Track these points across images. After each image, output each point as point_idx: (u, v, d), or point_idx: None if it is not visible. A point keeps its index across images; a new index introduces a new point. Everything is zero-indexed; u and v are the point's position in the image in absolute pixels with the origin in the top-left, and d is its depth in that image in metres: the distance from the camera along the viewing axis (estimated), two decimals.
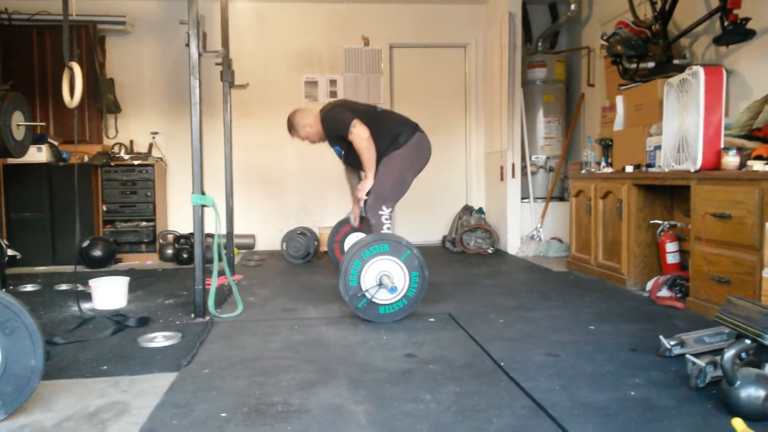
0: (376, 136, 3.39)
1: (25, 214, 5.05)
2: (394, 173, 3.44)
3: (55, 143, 5.19)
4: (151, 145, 5.69)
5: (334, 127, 3.48)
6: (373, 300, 2.88)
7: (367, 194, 3.45)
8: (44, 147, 5.04)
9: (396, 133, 3.47)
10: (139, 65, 5.80)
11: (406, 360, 2.32)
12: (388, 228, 3.39)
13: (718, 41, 3.54)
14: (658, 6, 4.05)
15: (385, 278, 2.87)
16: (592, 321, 2.89)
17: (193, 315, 3.05)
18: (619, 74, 4.22)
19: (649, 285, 3.48)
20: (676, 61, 3.94)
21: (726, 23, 3.43)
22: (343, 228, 4.50)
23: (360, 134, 3.31)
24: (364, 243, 2.91)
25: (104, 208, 5.32)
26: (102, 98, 5.45)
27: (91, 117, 5.47)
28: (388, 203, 3.41)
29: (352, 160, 3.58)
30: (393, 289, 2.86)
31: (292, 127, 3.74)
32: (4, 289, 3.42)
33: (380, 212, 3.38)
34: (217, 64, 4.27)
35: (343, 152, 3.62)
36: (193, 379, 2.14)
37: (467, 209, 5.90)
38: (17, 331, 1.77)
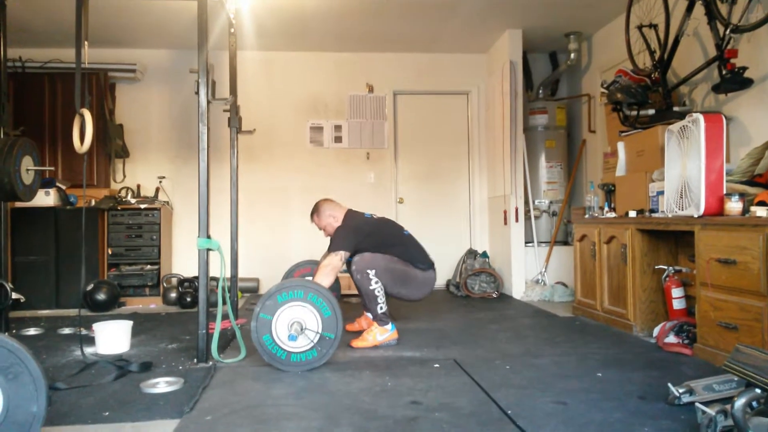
0: (391, 248, 3.56)
1: (31, 258, 5.07)
2: (400, 271, 3.53)
3: (63, 187, 5.25)
4: (157, 189, 5.75)
5: (333, 235, 3.57)
6: (323, 333, 2.87)
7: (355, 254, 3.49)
8: (52, 191, 5.11)
9: (413, 258, 3.62)
10: (147, 111, 5.92)
11: (412, 407, 2.29)
12: (376, 282, 3.40)
13: (716, 89, 3.61)
14: (657, 55, 4.15)
15: (295, 325, 2.84)
16: (600, 368, 2.85)
17: (195, 360, 3.03)
18: (620, 121, 4.29)
19: (656, 331, 3.44)
20: (676, 108, 4.01)
21: (724, 72, 3.50)
22: (297, 273, 4.46)
23: (331, 263, 3.33)
24: (259, 345, 2.88)
25: (109, 252, 5.34)
26: (111, 143, 5.55)
27: (100, 162, 5.55)
28: (378, 274, 3.42)
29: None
30: (293, 337, 2.82)
31: (316, 212, 3.78)
32: (6, 333, 3.41)
33: (368, 270, 3.40)
34: (224, 110, 4.36)
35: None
36: (196, 427, 2.11)
37: (471, 253, 5.90)
38: (21, 376, 1.76)
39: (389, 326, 3.44)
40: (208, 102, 3.09)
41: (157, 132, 5.94)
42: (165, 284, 5.33)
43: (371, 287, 3.39)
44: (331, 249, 3.45)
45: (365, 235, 3.54)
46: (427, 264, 3.69)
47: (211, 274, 3.21)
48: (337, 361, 3.06)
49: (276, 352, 2.86)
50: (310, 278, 3.37)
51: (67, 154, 5.41)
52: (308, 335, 2.84)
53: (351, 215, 3.70)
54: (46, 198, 5.06)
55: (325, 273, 3.28)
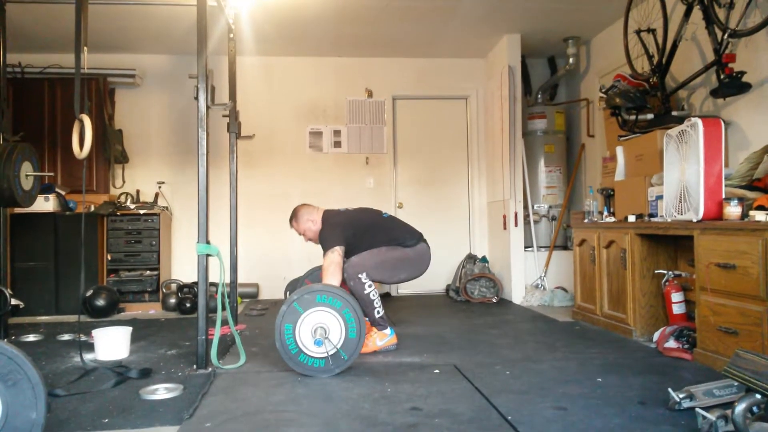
0: (375, 236, 3.56)
1: (30, 263, 5.07)
2: (390, 259, 3.52)
3: (63, 193, 5.25)
4: (157, 195, 5.75)
5: (321, 239, 3.59)
6: (339, 347, 2.86)
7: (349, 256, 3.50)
8: (51, 197, 5.11)
9: (400, 239, 3.61)
10: (147, 117, 5.93)
11: (412, 413, 2.29)
12: (370, 286, 3.40)
13: (714, 94, 3.62)
14: (655, 59, 4.16)
15: (318, 330, 2.84)
16: (600, 373, 2.85)
17: (195, 366, 3.02)
18: (619, 125, 4.29)
19: (656, 336, 3.44)
20: (674, 113, 4.01)
21: (722, 76, 3.50)
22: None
23: (332, 260, 3.36)
24: (280, 344, 2.87)
25: (109, 257, 5.34)
26: (110, 149, 5.55)
27: (99, 167, 5.55)
28: (369, 274, 3.42)
29: None
30: (319, 342, 2.83)
31: (294, 217, 3.81)
32: (5, 339, 3.40)
33: (359, 275, 3.39)
34: (224, 115, 4.36)
35: None
36: None
37: (471, 258, 5.90)
38: (20, 383, 1.76)
39: (388, 331, 3.44)
40: (208, 107, 3.09)
41: (157, 137, 5.95)
42: (164, 290, 5.32)
43: (365, 291, 3.39)
44: (325, 249, 3.45)
45: (345, 227, 3.55)
46: (416, 238, 3.66)
47: (211, 279, 3.21)
48: None
49: (289, 344, 2.85)
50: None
51: (66, 159, 5.41)
52: (326, 345, 2.84)
53: (328, 214, 3.73)
54: (46, 204, 5.06)
55: (331, 272, 3.30)
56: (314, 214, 3.74)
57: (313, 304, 2.88)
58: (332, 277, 3.29)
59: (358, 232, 3.56)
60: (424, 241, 3.70)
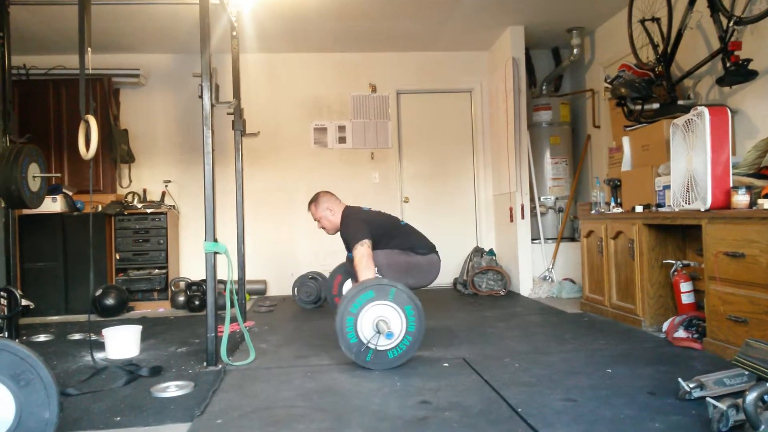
0: (390, 239, 3.57)
1: (39, 264, 5.10)
2: (402, 262, 3.53)
3: (70, 193, 5.28)
4: (163, 194, 5.77)
5: (345, 233, 3.60)
6: (378, 348, 2.85)
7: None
8: (59, 197, 5.14)
9: (413, 245, 3.62)
10: (152, 116, 5.94)
11: (422, 407, 2.29)
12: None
13: (720, 82, 3.59)
14: (660, 48, 4.13)
15: (381, 324, 2.84)
16: (609, 364, 2.84)
17: (205, 363, 3.04)
18: (625, 116, 4.28)
19: (665, 326, 3.43)
20: (680, 102, 3.99)
21: (728, 64, 3.48)
22: (335, 280, 4.51)
23: (362, 253, 3.34)
24: (350, 297, 2.88)
25: (117, 257, 5.36)
26: (116, 149, 5.56)
27: (106, 167, 5.57)
28: (380, 271, 3.43)
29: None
30: (389, 335, 2.82)
31: (314, 202, 3.81)
32: (17, 340, 3.43)
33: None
34: (228, 113, 4.37)
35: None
36: (206, 430, 2.12)
37: (478, 251, 5.89)
38: (32, 383, 1.77)
39: None
40: (212, 105, 3.10)
41: (162, 136, 5.96)
42: (173, 288, 5.35)
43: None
44: (353, 243, 3.44)
45: (368, 224, 3.56)
46: (428, 248, 3.69)
47: (219, 277, 3.22)
48: (346, 361, 3.06)
49: (352, 310, 2.84)
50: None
51: (73, 160, 5.43)
52: (378, 338, 2.83)
53: (351, 210, 3.74)
54: (53, 204, 5.10)
55: (364, 265, 3.30)
56: (335, 205, 3.75)
57: (400, 302, 2.88)
58: (366, 270, 3.29)
59: (376, 232, 3.57)
60: (436, 252, 3.72)
